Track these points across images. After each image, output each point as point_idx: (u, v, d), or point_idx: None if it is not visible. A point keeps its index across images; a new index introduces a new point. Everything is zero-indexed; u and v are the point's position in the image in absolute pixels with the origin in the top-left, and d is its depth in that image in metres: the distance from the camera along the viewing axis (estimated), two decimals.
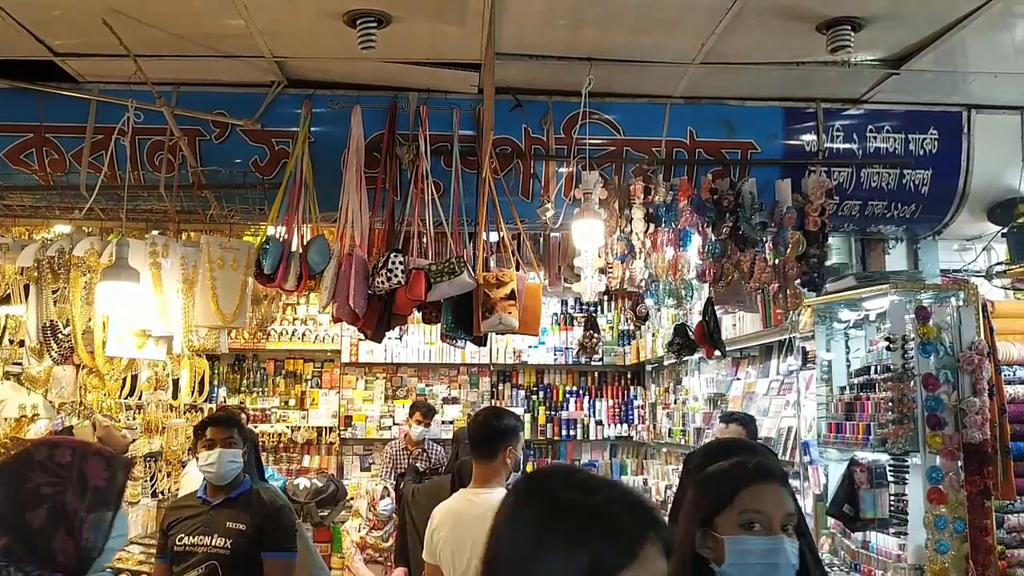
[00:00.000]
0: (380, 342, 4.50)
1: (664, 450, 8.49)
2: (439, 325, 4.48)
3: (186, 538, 3.61)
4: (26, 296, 4.18)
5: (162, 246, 4.14)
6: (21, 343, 4.39)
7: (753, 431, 4.93)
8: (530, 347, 9.73)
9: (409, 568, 5.07)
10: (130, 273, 3.77)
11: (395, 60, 4.29)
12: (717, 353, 4.71)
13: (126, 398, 6.01)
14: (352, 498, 7.61)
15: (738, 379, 7.11)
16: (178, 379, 7.07)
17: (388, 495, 6.43)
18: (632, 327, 9.05)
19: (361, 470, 9.67)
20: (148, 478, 8.23)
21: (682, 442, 7.62)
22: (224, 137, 4.54)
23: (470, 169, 4.55)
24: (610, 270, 4.44)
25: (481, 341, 4.48)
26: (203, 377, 7.63)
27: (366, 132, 4.48)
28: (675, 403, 8.16)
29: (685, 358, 4.70)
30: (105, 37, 3.93)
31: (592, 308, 9.60)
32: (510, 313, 4.13)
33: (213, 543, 3.58)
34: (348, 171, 4.37)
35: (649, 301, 4.54)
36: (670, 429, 8.01)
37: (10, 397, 4.16)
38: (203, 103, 4.50)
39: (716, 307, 4.61)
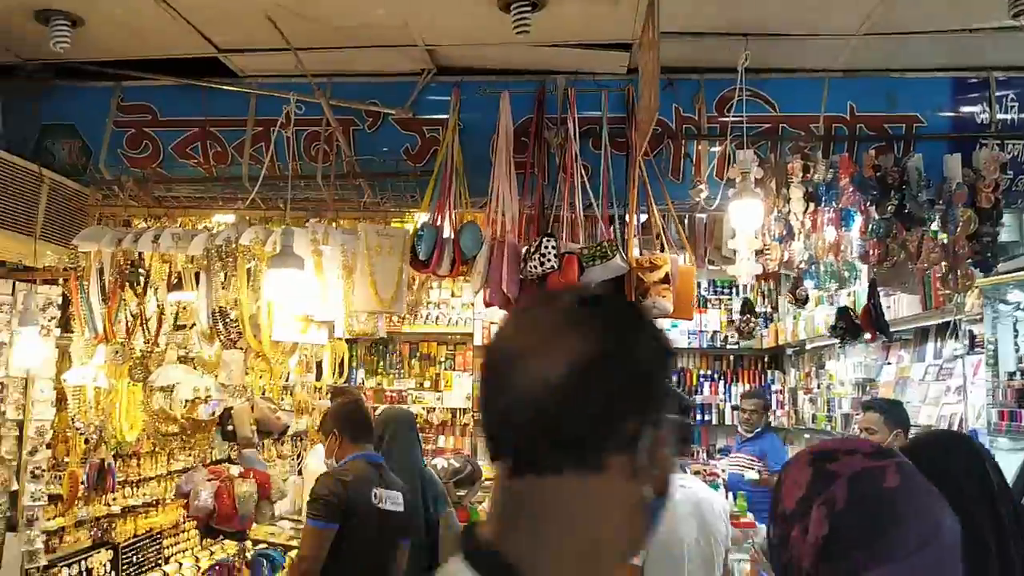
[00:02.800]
0: None
1: (806, 436, 8.24)
2: None
3: None
4: (197, 283, 4.38)
5: (322, 234, 4.25)
6: (192, 325, 4.61)
7: (896, 417, 4.70)
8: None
9: None
10: (296, 260, 3.89)
11: (544, 43, 4.26)
12: (882, 337, 4.51)
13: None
14: (489, 479, 7.74)
15: (889, 364, 6.83)
16: (320, 362, 7.33)
17: None
18: (742, 338, 8.73)
19: None
20: (295, 457, 8.61)
21: (828, 428, 7.38)
22: (376, 127, 4.63)
23: (619, 151, 4.49)
24: (767, 252, 4.31)
25: None
26: (343, 360, 7.88)
27: (514, 117, 4.48)
28: (819, 388, 7.92)
29: (848, 342, 4.51)
30: (265, 33, 4.07)
31: (729, 291, 9.41)
32: (664, 297, 4.05)
33: None
34: (497, 157, 4.38)
35: (809, 283, 4.38)
36: (814, 415, 7.78)
37: (184, 380, 4.37)
38: (356, 93, 4.60)
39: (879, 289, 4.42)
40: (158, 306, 4.60)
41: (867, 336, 4.46)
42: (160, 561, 5.94)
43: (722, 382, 9.59)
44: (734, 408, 9.36)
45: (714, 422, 9.46)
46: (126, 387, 4.86)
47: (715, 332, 9.56)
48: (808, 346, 8.18)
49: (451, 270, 4.28)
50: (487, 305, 4.40)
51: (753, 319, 4.85)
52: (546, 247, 4.09)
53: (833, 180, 4.27)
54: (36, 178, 4.33)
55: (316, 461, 5.65)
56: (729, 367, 9.70)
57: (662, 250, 4.43)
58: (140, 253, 4.47)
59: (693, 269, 4.45)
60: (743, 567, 4.65)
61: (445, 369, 10.04)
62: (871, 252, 4.21)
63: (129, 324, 4.42)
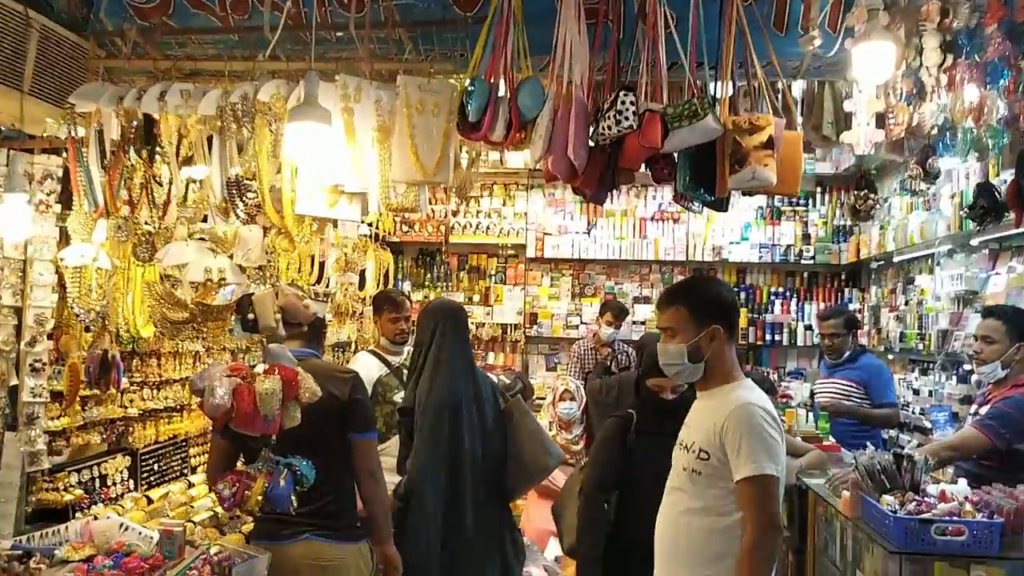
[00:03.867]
0: (602, 204, 3.82)
1: (890, 356, 7.47)
2: (671, 185, 3.74)
3: None
4: (210, 150, 3.76)
5: (354, 89, 3.58)
6: (204, 219, 4.02)
7: (1021, 326, 4.03)
8: (731, 243, 8.89)
9: None
10: (321, 113, 3.23)
11: None
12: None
13: (315, 284, 5.72)
14: (541, 397, 7.24)
15: (997, 274, 6.02)
16: (364, 270, 6.80)
17: (572, 399, 6.03)
18: (856, 219, 7.89)
19: (547, 370, 9.26)
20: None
21: (920, 347, 6.62)
22: None
23: None
24: (891, 115, 3.55)
25: (723, 204, 3.70)
26: (387, 270, 7.36)
27: None
28: (906, 305, 7.14)
29: (988, 224, 3.73)
30: None
31: (804, 201, 8.61)
32: (766, 165, 3.32)
33: None
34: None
35: (943, 155, 3.62)
36: (902, 333, 7.01)
37: (195, 260, 3.79)
38: None
39: None
40: (169, 180, 4.01)
41: (1012, 217, 3.69)
42: (186, 471, 5.48)
43: (794, 300, 8.85)
44: (807, 328, 8.67)
45: (785, 343, 8.75)
46: (140, 276, 4.31)
47: (789, 246, 8.79)
48: (896, 259, 7.36)
49: (506, 135, 3.58)
50: (548, 179, 3.71)
51: (872, 196, 4.09)
52: (623, 103, 3.36)
53: (977, 27, 3.51)
54: (23, 22, 3.71)
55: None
56: (803, 284, 8.95)
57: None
58: (146, 116, 3.86)
59: (800, 136, 3.68)
60: (843, 495, 3.99)
61: (496, 283, 9.47)
62: (1022, 116, 3.43)
63: (134, 196, 3.84)
